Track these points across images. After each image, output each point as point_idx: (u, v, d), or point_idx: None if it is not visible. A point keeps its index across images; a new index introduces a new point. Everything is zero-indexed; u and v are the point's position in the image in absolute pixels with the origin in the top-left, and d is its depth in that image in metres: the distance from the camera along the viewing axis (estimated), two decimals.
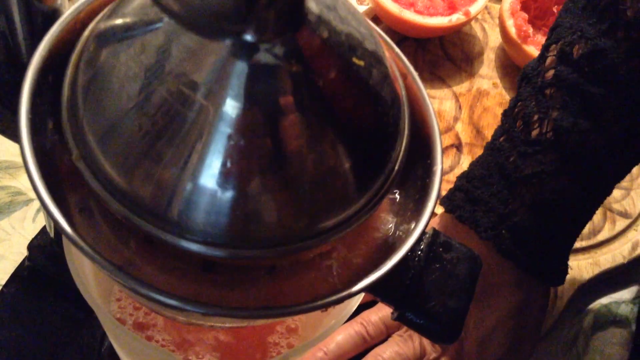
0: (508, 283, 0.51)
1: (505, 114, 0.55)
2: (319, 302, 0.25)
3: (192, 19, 0.23)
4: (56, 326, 0.49)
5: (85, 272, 0.37)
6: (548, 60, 0.52)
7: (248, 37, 0.23)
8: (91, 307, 0.45)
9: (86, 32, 0.28)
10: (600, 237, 0.66)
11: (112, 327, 0.37)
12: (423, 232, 0.28)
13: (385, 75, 0.28)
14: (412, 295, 0.31)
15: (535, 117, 0.51)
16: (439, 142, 0.31)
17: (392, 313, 0.32)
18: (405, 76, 0.32)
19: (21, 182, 0.58)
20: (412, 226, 0.29)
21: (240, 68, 0.23)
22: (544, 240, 0.51)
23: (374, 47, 0.27)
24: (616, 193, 0.68)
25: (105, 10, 0.28)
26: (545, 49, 0.53)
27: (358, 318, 0.52)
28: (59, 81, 0.27)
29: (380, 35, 0.33)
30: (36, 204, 0.57)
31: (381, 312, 0.53)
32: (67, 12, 0.28)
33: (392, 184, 0.28)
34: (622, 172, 0.53)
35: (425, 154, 0.31)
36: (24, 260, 0.51)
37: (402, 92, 0.30)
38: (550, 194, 0.50)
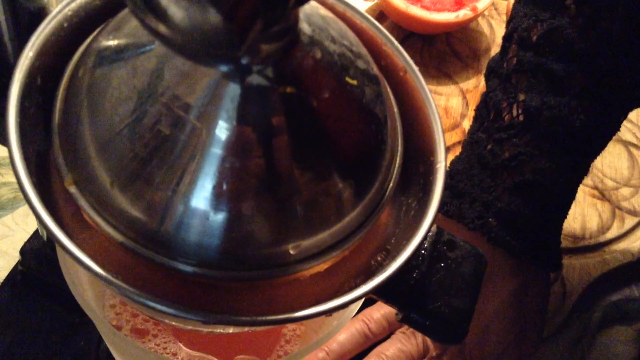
0: (502, 272, 0.50)
1: (477, 108, 0.56)
2: (323, 308, 0.25)
3: (183, 45, 0.22)
4: (51, 331, 0.48)
5: (79, 277, 0.36)
6: (510, 50, 0.53)
7: (241, 60, 0.22)
8: None
9: (77, 54, 0.27)
10: (609, 235, 0.65)
11: (108, 332, 0.36)
12: (428, 231, 0.27)
13: (378, 93, 0.27)
14: (417, 296, 0.30)
15: (505, 104, 0.52)
16: (442, 138, 0.30)
17: (397, 314, 0.31)
18: (404, 71, 0.32)
19: None
20: (417, 225, 0.28)
21: (233, 90, 0.23)
22: (531, 222, 0.51)
23: (365, 66, 0.27)
24: (625, 191, 0.68)
25: (97, 31, 0.27)
26: (505, 40, 0.55)
27: (360, 315, 0.52)
28: (47, 83, 0.27)
29: (379, 29, 0.32)
30: None
31: (383, 309, 0.52)
32: (55, 11, 0.27)
33: (387, 201, 0.28)
34: (597, 147, 0.53)
35: (427, 150, 0.30)
36: (16, 264, 0.50)
37: (395, 109, 0.30)
38: (531, 175, 0.50)
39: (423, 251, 0.31)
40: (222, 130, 0.23)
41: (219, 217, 0.24)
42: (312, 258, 0.26)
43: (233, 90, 0.23)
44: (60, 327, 0.48)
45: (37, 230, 0.49)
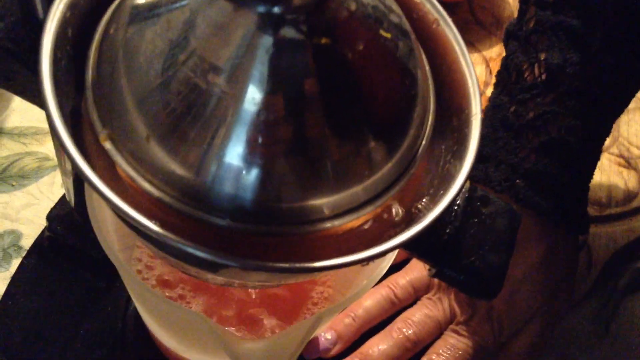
0: (530, 235, 0.50)
1: (498, 73, 0.55)
2: (360, 256, 0.24)
3: None
4: (78, 296, 0.48)
5: (110, 233, 0.36)
6: (527, 12, 0.53)
7: (275, 9, 0.22)
8: (113, 276, 0.44)
9: (109, 12, 0.27)
10: (635, 203, 0.65)
11: (137, 287, 0.36)
12: (462, 186, 0.27)
13: (411, 48, 0.27)
14: (451, 251, 0.30)
15: (526, 64, 0.52)
16: (477, 90, 0.29)
17: (430, 270, 0.31)
18: (437, 23, 0.31)
19: (48, 147, 0.59)
20: (452, 178, 0.27)
21: (267, 41, 0.23)
22: (559, 181, 0.50)
23: (398, 20, 0.27)
24: None
25: None
26: (522, 2, 0.54)
27: (386, 281, 0.51)
28: (78, 36, 0.26)
29: None
30: None
31: (409, 275, 0.52)
32: None
33: (420, 158, 0.28)
34: (620, 103, 0.53)
35: (462, 103, 0.29)
36: (43, 230, 0.50)
37: (427, 66, 0.29)
38: (557, 133, 0.50)
39: (456, 207, 0.31)
40: (256, 82, 0.23)
41: (253, 171, 0.24)
42: (346, 213, 0.26)
43: (267, 41, 0.23)
44: (88, 292, 0.48)
45: (63, 197, 0.50)
